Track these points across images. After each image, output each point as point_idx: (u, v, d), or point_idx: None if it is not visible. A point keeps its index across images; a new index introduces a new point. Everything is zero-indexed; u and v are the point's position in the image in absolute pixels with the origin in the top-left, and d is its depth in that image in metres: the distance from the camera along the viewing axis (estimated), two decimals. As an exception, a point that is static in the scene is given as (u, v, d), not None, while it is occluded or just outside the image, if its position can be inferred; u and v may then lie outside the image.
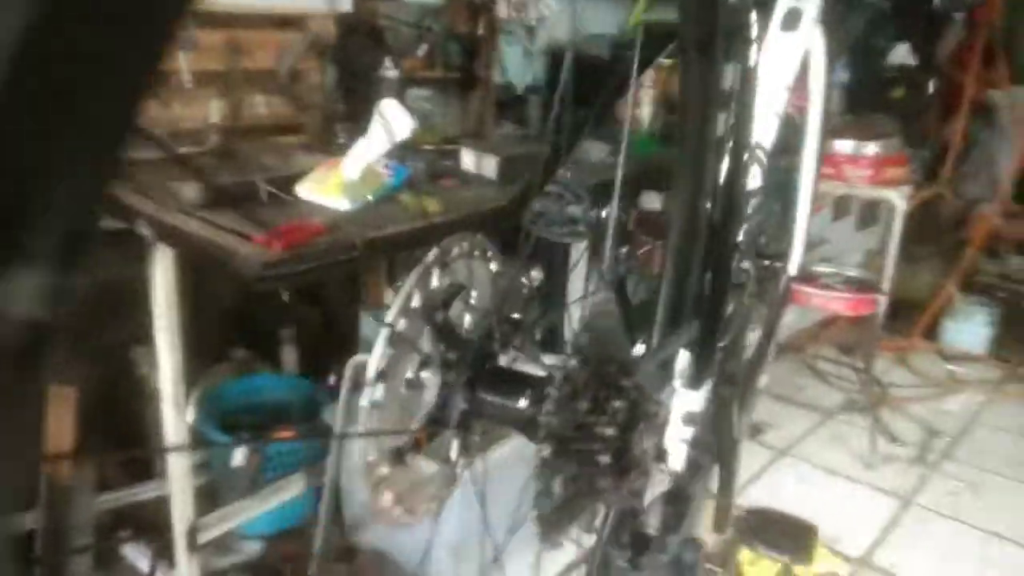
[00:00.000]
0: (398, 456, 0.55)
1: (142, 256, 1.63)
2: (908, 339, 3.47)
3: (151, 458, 2.04)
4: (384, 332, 0.51)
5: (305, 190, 1.51)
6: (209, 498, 1.97)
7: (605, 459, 0.53)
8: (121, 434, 2.04)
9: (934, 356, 3.49)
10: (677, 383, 0.67)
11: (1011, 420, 3.02)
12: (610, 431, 0.53)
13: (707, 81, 0.68)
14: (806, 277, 2.53)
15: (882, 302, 2.52)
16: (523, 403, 0.55)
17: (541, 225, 0.85)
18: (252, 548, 2.01)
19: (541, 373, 0.57)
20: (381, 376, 0.52)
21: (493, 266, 0.63)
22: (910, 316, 3.47)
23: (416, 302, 0.53)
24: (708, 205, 0.86)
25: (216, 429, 2.00)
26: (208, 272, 1.86)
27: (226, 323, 2.25)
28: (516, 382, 0.57)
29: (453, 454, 0.63)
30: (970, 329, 3.48)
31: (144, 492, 1.96)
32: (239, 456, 1.87)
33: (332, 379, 1.99)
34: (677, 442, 0.57)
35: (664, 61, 2.57)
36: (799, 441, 2.78)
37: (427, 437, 0.57)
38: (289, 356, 2.20)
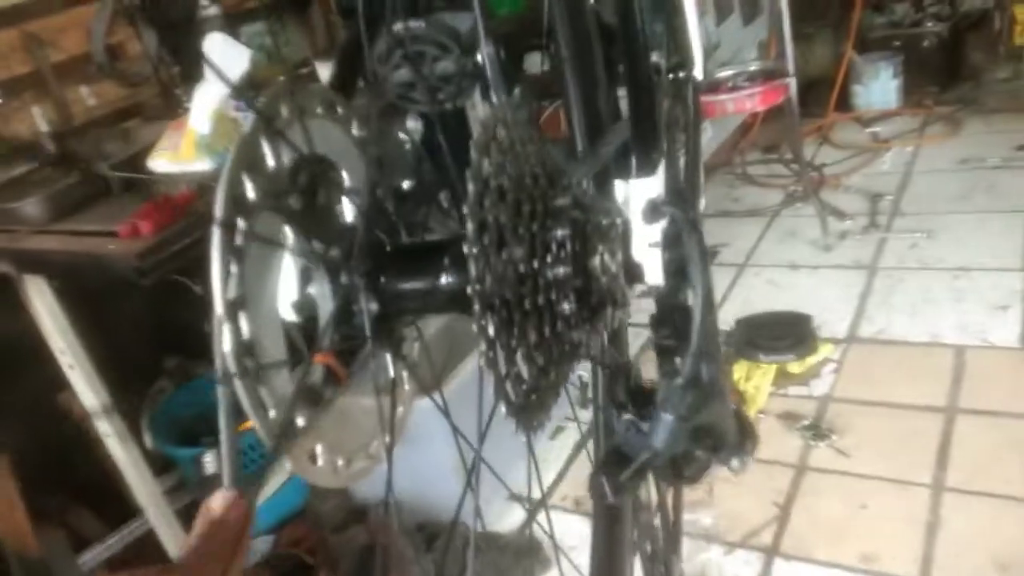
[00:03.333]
0: (312, 397, 0.44)
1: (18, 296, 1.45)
2: (825, 116, 3.44)
3: (125, 496, 1.90)
4: (216, 239, 0.38)
5: (160, 163, 1.34)
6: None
7: (568, 305, 0.43)
8: (82, 484, 1.90)
9: (853, 125, 3.47)
10: (626, 182, 0.56)
11: (942, 160, 3.04)
12: (562, 269, 0.42)
13: None
14: (712, 86, 2.44)
15: (792, 85, 2.45)
16: (444, 277, 0.44)
17: (418, 97, 0.71)
18: (261, 546, 1.91)
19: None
20: (236, 305, 0.40)
21: (355, 129, 0.50)
22: (819, 94, 3.43)
23: (252, 193, 0.41)
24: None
25: (177, 445, 1.87)
26: (107, 287, 1.69)
27: (148, 333, 2.08)
28: (428, 255, 0.46)
29: (390, 369, 0.52)
30: (879, 87, 3.46)
31: (129, 534, 1.84)
32: (209, 463, 1.75)
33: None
34: (648, 251, 0.46)
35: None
36: (754, 250, 2.75)
37: (345, 363, 0.46)
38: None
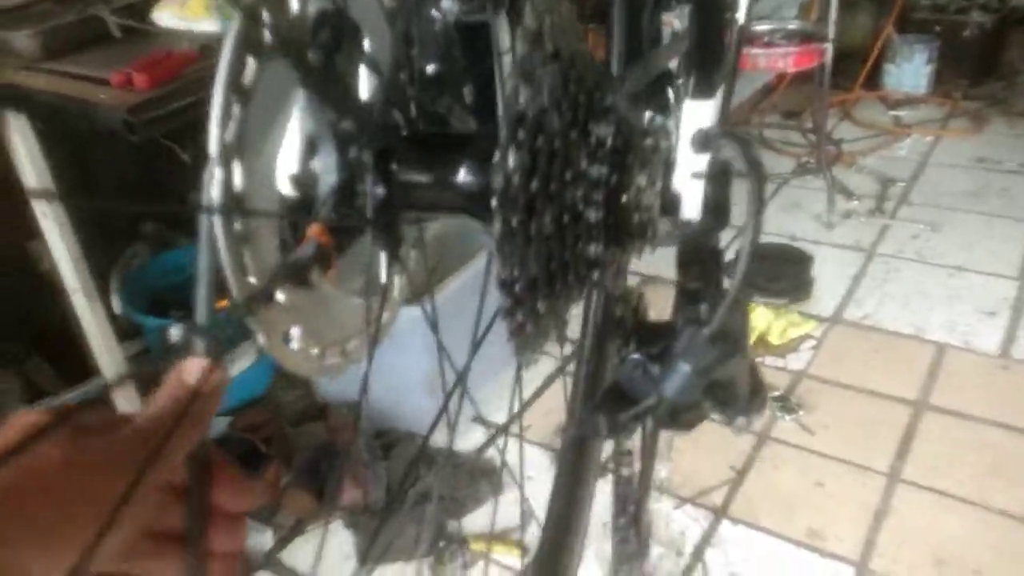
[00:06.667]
0: (297, 274, 0.39)
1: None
2: (851, 91, 3.35)
3: (86, 356, 1.87)
4: (222, 74, 0.33)
5: (165, 16, 1.26)
6: (158, 386, 1.84)
7: (594, 213, 0.38)
8: (44, 336, 1.87)
9: (877, 104, 3.39)
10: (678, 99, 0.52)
11: (960, 155, 2.98)
12: (596, 170, 0.38)
13: None
14: (747, 38, 2.35)
15: (828, 51, 2.36)
16: (464, 174, 0.39)
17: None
18: (217, 425, 1.91)
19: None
20: (233, 151, 0.35)
21: (386, -1, 0.44)
22: (849, 67, 3.33)
23: (269, 33, 0.35)
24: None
25: (145, 313, 1.83)
26: (92, 140, 1.62)
27: (130, 196, 2.02)
28: (448, 147, 0.41)
29: (383, 267, 0.47)
30: (911, 70, 3.37)
31: (84, 393, 1.82)
32: (176, 336, 1.72)
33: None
34: (690, 183, 0.42)
35: None
36: (756, 214, 2.70)
37: (337, 248, 0.42)
38: (207, 220, 1.98)
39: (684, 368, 0.42)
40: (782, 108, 3.36)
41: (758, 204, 0.37)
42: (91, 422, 0.32)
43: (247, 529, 0.39)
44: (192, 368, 0.35)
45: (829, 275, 2.34)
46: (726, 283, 0.41)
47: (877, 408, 1.87)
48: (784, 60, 2.26)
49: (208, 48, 1.16)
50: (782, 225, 2.62)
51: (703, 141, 0.42)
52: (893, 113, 3.31)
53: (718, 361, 0.42)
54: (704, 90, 0.51)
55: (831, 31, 2.37)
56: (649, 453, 0.84)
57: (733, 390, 0.46)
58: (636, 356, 0.44)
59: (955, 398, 1.87)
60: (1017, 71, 3.39)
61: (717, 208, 0.43)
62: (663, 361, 0.43)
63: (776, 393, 1.92)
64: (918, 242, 2.48)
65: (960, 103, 3.34)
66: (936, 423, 1.82)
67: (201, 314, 0.37)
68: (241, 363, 1.75)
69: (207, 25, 1.24)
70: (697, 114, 0.47)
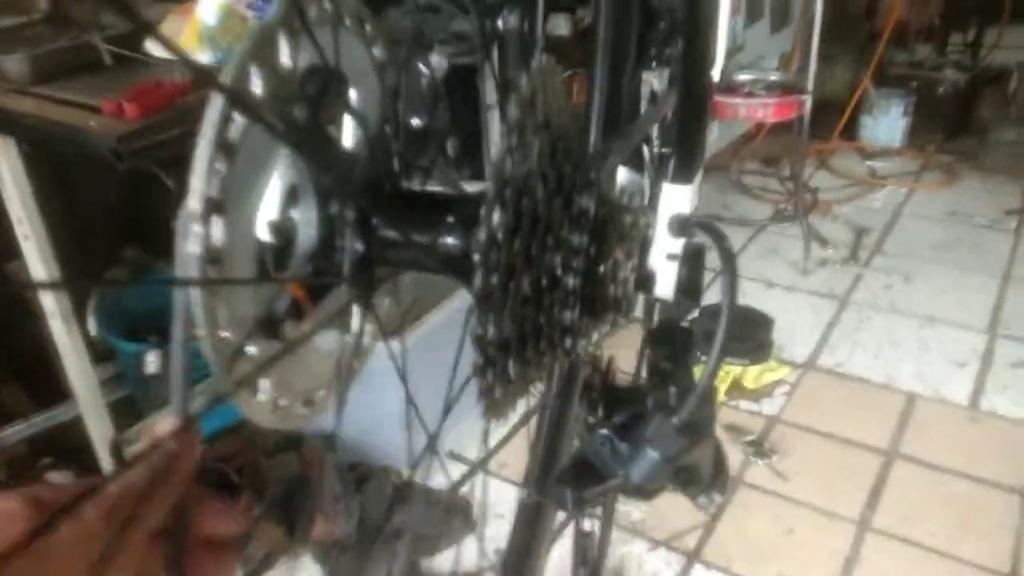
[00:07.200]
0: (270, 327, 0.40)
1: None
2: (828, 141, 3.43)
3: (60, 379, 1.85)
4: (210, 124, 0.34)
5: (157, 46, 1.27)
6: (131, 411, 1.82)
7: (572, 279, 0.40)
8: (17, 358, 1.84)
9: (854, 155, 3.47)
10: (657, 179, 0.53)
11: (933, 208, 3.06)
12: (578, 238, 0.39)
13: None
14: (728, 88, 2.41)
15: (807, 102, 2.42)
16: (445, 235, 0.40)
17: (429, 46, 0.66)
18: (189, 454, 1.88)
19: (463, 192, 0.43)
20: (214, 208, 0.35)
21: (377, 50, 0.46)
22: (827, 118, 3.41)
23: (260, 87, 0.36)
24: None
25: (122, 337, 1.82)
26: (76, 164, 1.62)
27: (111, 220, 2.01)
28: (431, 208, 0.42)
29: (355, 320, 0.48)
30: (887, 122, 3.46)
31: (58, 415, 1.79)
32: (152, 362, 1.71)
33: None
34: (664, 262, 0.43)
35: None
36: (734, 258, 2.74)
37: (311, 299, 0.42)
38: (188, 247, 1.98)
39: (653, 455, 0.43)
40: (761, 155, 3.42)
41: (731, 295, 0.39)
42: (53, 498, 0.31)
43: (236, 554, 0.39)
44: (166, 429, 0.36)
45: (803, 322, 2.38)
46: (696, 371, 0.43)
47: (848, 455, 1.89)
48: (764, 110, 2.32)
49: (199, 81, 1.17)
50: (759, 270, 2.66)
51: (679, 226, 0.44)
52: (869, 164, 3.39)
53: (686, 450, 0.43)
54: (684, 175, 0.53)
55: (810, 83, 2.43)
56: (608, 516, 0.85)
57: (698, 473, 0.47)
58: (604, 431, 0.46)
59: (925, 448, 1.90)
60: (989, 128, 3.49)
61: (690, 289, 0.45)
62: (631, 438, 0.45)
63: (750, 438, 1.94)
64: (891, 292, 2.53)
65: (934, 156, 3.42)
66: (906, 472, 1.84)
67: (176, 400, 0.37)
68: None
69: (199, 57, 1.25)
70: (676, 198, 0.48)
